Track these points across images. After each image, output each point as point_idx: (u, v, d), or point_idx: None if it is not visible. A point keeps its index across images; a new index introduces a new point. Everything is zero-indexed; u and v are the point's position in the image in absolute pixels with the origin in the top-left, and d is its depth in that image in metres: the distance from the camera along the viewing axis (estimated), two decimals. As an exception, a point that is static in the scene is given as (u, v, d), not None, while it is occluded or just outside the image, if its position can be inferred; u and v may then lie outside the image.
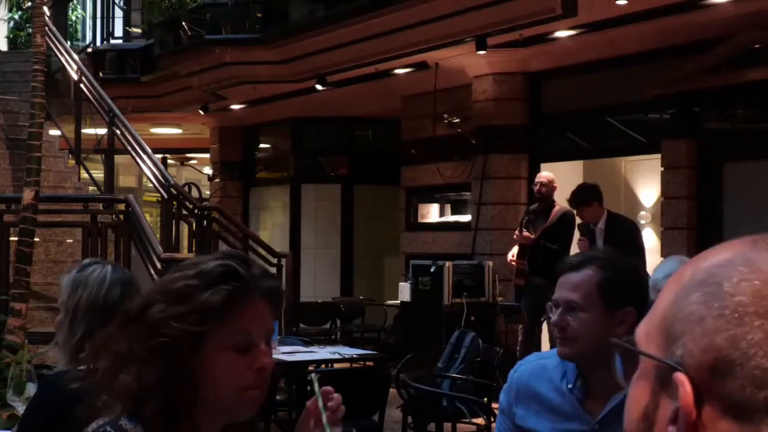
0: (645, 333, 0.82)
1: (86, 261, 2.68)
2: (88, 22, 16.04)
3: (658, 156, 8.51)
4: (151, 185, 9.05)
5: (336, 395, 1.67)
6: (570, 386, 2.33)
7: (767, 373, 0.72)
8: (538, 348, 8.39)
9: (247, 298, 1.50)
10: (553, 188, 8.05)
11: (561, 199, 8.09)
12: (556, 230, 7.85)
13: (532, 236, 7.89)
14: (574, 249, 8.19)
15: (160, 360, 1.45)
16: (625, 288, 2.31)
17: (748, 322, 0.74)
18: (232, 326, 1.49)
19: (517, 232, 8.06)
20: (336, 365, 6.96)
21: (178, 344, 1.45)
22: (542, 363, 2.45)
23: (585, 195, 7.37)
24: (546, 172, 8.41)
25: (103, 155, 9.43)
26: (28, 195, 6.81)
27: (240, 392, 1.50)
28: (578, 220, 7.67)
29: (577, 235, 7.62)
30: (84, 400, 1.51)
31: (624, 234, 7.18)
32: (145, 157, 8.36)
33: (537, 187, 8.06)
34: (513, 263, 8.15)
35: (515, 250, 8.18)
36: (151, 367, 1.45)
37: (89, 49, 13.49)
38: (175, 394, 1.46)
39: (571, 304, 2.30)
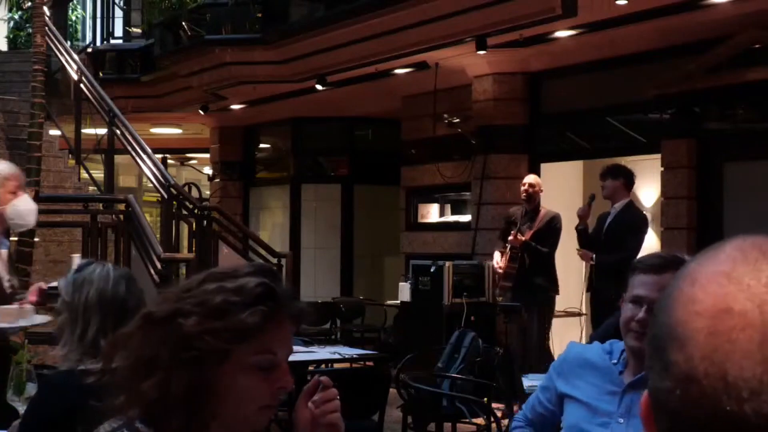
0: None
1: (82, 262, 2.68)
2: (88, 22, 16.04)
3: (658, 156, 8.51)
4: (151, 185, 9.05)
5: (331, 391, 1.65)
6: (614, 362, 2.66)
7: None
8: (541, 348, 8.38)
9: (277, 319, 1.50)
10: (540, 191, 8.17)
11: (557, 200, 8.16)
12: (546, 233, 7.96)
13: (524, 238, 7.97)
14: (561, 250, 8.25)
15: (186, 372, 1.44)
16: None
17: None
18: (260, 346, 1.48)
19: (512, 234, 8.07)
20: (336, 365, 6.96)
21: (207, 359, 1.45)
22: (589, 345, 2.87)
23: (615, 169, 7.49)
24: (533, 175, 8.50)
25: (103, 155, 9.43)
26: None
27: (257, 410, 1.51)
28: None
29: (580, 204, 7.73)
30: (99, 398, 1.50)
31: (630, 222, 7.25)
32: (145, 157, 8.36)
33: (525, 188, 8.15)
34: (500, 269, 8.20)
35: (498, 256, 8.24)
36: (177, 378, 1.44)
37: (89, 49, 13.50)
38: (194, 406, 1.46)
39: None
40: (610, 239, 7.22)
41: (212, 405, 1.47)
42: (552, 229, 8.03)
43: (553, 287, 8.16)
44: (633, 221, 7.28)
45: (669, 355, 0.70)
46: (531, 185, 8.18)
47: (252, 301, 1.46)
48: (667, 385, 0.70)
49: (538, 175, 9.72)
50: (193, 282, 1.54)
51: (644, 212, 8.08)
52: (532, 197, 8.14)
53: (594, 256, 7.30)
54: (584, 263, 7.75)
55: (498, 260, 8.24)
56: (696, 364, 0.68)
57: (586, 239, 7.45)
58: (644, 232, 7.42)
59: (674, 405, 0.69)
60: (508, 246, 8.09)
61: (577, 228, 7.52)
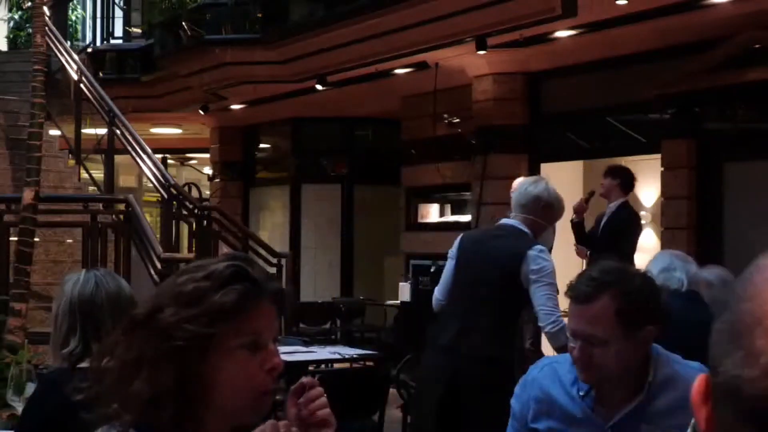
0: None
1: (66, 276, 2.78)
2: (88, 22, 16.04)
3: (658, 156, 8.51)
4: (151, 185, 9.05)
5: (316, 390, 1.60)
6: (582, 393, 2.38)
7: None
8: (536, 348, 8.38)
9: (256, 299, 1.50)
10: None
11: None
12: None
13: None
14: (556, 249, 8.23)
15: (172, 365, 1.44)
16: (644, 309, 2.29)
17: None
18: (243, 327, 1.48)
19: None
20: (336, 365, 6.96)
21: (191, 347, 1.44)
22: (554, 366, 2.50)
23: (615, 169, 7.52)
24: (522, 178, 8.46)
25: (103, 155, 9.43)
26: (28, 195, 6.81)
27: (253, 395, 1.49)
28: None
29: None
30: (91, 407, 1.49)
31: (621, 222, 7.28)
32: (145, 157, 8.36)
33: None
34: None
35: None
36: (164, 372, 1.43)
37: (89, 49, 13.49)
38: (187, 399, 1.45)
39: (591, 339, 2.26)
40: (605, 239, 7.26)
41: (204, 395, 1.46)
42: None
43: None
44: (624, 222, 7.30)
45: (755, 343, 0.71)
46: None
47: (224, 283, 1.47)
48: (751, 374, 0.70)
49: (538, 175, 9.73)
50: (168, 280, 1.56)
51: (639, 212, 8.08)
52: None
53: (588, 253, 7.34)
54: (583, 261, 7.76)
55: None
56: None
57: (581, 234, 7.48)
58: (637, 231, 7.44)
59: (757, 393, 0.69)
60: None
61: (571, 221, 7.53)
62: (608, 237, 7.23)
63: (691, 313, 3.48)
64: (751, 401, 0.70)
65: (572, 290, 2.33)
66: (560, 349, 4.28)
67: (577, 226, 7.52)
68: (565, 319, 2.79)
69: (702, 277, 4.06)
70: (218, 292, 1.46)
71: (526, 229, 4.57)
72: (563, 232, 8.29)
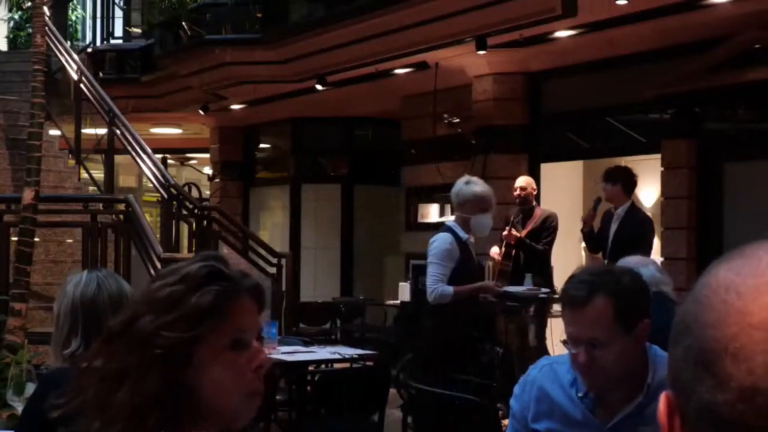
0: None
1: (69, 277, 2.79)
2: (88, 22, 16.05)
3: (658, 156, 8.51)
4: (151, 185, 9.05)
5: None
6: (580, 395, 2.37)
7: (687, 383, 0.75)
8: (541, 347, 8.38)
9: (235, 297, 1.47)
10: (533, 191, 8.18)
11: (557, 200, 8.14)
12: (541, 231, 7.95)
13: (519, 235, 7.96)
14: (557, 249, 8.24)
15: (156, 373, 1.41)
16: (638, 304, 2.29)
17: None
18: (225, 327, 1.45)
19: (507, 230, 8.05)
20: (336, 365, 6.95)
21: (172, 354, 1.41)
22: (554, 367, 2.49)
23: (613, 173, 7.46)
24: (524, 177, 8.46)
25: (103, 155, 9.43)
26: (28, 195, 6.81)
27: (241, 396, 1.46)
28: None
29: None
30: (71, 422, 1.46)
31: (636, 226, 7.23)
32: (145, 157, 8.37)
33: (517, 192, 8.10)
34: (496, 255, 8.19)
35: (495, 250, 8.23)
36: (147, 382, 1.40)
37: (89, 49, 13.50)
38: (174, 406, 1.42)
39: (593, 342, 2.25)
40: (618, 246, 7.16)
41: (191, 401, 1.44)
42: (547, 227, 8.00)
43: (548, 286, 8.12)
44: (637, 228, 7.24)
45: (725, 369, 0.72)
46: (522, 188, 8.13)
47: (199, 284, 1.45)
48: (725, 398, 0.71)
49: (538, 175, 9.73)
50: (143, 288, 1.54)
51: (647, 213, 8.07)
52: (526, 199, 8.13)
53: (606, 262, 7.26)
54: (583, 261, 7.76)
55: (496, 251, 8.23)
56: (760, 376, 0.70)
57: (592, 241, 7.46)
58: (651, 235, 7.40)
59: (735, 416, 0.71)
60: (503, 243, 8.08)
61: (582, 231, 7.53)
62: (623, 245, 7.10)
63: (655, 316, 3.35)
64: (729, 422, 0.71)
65: (565, 296, 2.32)
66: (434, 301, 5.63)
67: (587, 235, 7.52)
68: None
69: (663, 279, 3.96)
70: (194, 294, 1.44)
71: (452, 224, 5.86)
72: (562, 236, 8.31)
